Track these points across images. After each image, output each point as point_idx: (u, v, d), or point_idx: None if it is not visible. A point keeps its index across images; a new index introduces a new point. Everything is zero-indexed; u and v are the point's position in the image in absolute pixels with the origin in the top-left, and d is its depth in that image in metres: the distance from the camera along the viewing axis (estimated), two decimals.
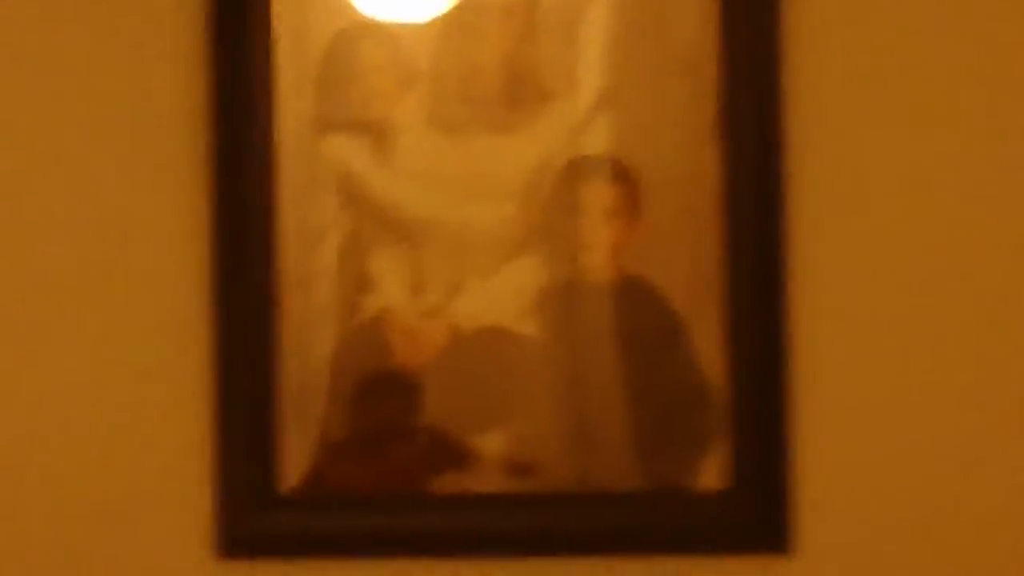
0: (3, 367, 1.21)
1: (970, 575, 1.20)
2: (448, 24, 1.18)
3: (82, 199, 1.20)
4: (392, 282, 1.18)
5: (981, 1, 1.19)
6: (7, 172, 1.22)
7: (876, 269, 1.21)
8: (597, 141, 1.18)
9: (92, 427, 1.18)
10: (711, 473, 1.18)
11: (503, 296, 1.19)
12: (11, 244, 1.21)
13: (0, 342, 1.20)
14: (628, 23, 1.17)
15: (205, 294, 1.18)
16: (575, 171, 1.19)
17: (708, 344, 1.18)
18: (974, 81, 1.19)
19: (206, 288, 1.19)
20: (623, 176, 1.18)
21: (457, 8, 1.17)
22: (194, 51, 1.17)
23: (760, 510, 1.17)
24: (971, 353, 1.19)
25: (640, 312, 1.19)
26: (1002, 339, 1.19)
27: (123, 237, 1.19)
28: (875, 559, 1.22)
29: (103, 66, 1.20)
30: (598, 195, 1.20)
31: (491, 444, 1.18)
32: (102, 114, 1.20)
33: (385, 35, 1.19)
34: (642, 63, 1.18)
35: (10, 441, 1.19)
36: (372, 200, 1.19)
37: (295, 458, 1.19)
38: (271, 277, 1.18)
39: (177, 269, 1.18)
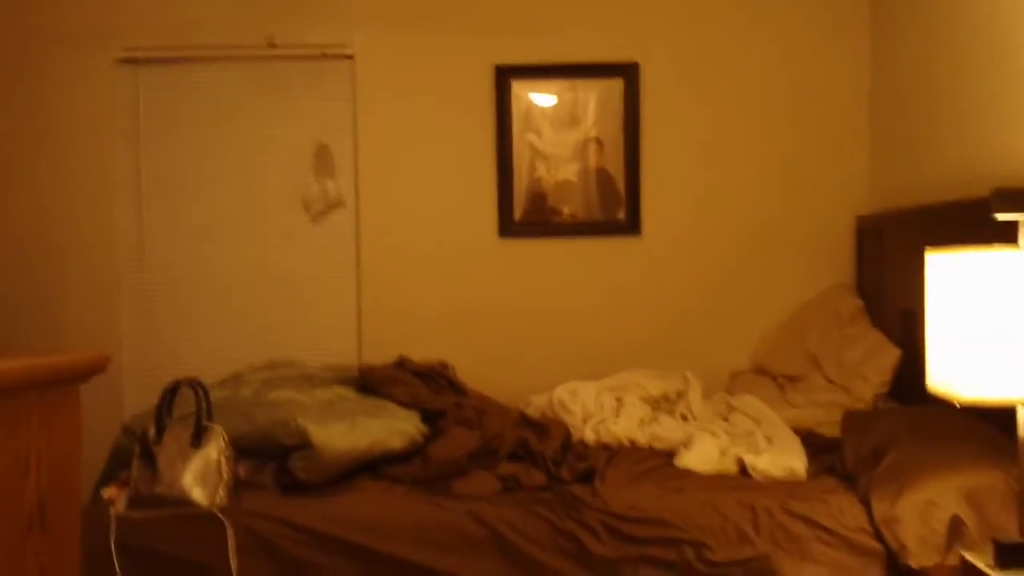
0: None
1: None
2: (554, 108, 4.49)
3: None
4: (542, 167, 4.49)
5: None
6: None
7: (665, 170, 4.51)
8: (592, 132, 4.47)
9: None
10: (622, 214, 4.48)
11: (569, 171, 4.48)
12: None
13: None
14: (603, 106, 4.47)
15: (495, 182, 4.49)
16: (588, 141, 4.46)
17: (620, 181, 4.48)
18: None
19: (496, 180, 4.48)
20: (599, 142, 4.47)
21: (556, 103, 4.47)
22: None
23: (632, 222, 4.48)
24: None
25: (603, 175, 4.49)
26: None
27: None
28: (672, 240, 4.49)
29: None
30: (594, 144, 4.48)
31: (566, 209, 4.51)
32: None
33: (538, 109, 4.50)
34: (606, 116, 4.46)
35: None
36: (538, 148, 4.47)
37: (517, 212, 4.49)
38: (512, 169, 4.45)
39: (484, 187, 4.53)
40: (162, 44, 4.46)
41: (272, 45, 4.39)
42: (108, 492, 2.97)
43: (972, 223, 2.66)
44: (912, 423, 2.97)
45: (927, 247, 2.28)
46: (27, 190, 4.49)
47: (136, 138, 4.48)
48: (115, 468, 3.15)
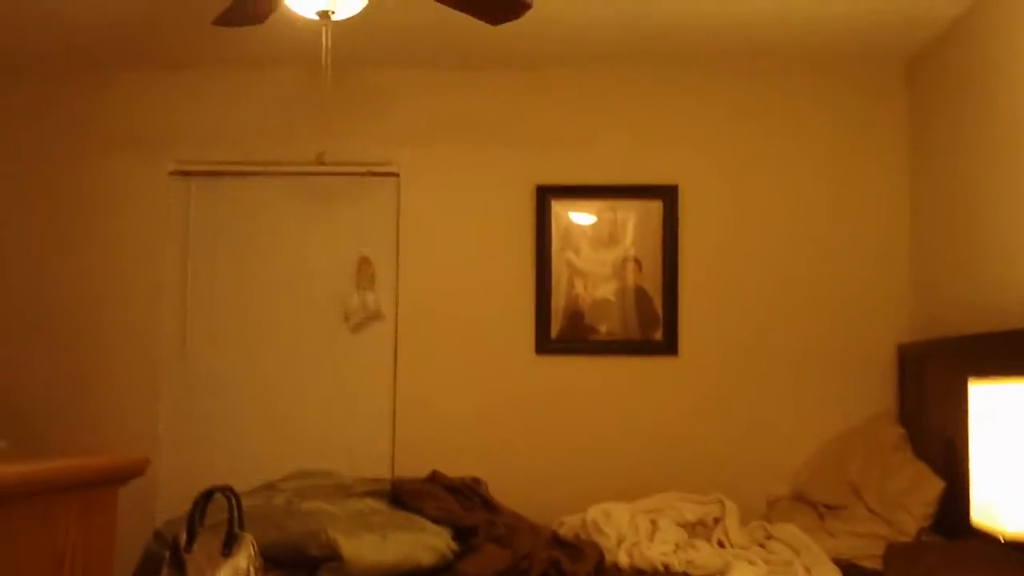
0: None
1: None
2: (593, 227, 4.55)
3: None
4: (580, 285, 4.52)
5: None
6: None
7: (703, 291, 4.52)
8: (630, 252, 4.52)
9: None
10: (659, 334, 4.49)
11: (607, 290, 4.52)
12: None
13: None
14: (642, 227, 4.53)
15: (533, 299, 4.51)
16: (627, 260, 4.50)
17: (657, 301, 4.49)
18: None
19: (534, 297, 4.50)
20: (637, 261, 4.51)
21: (595, 222, 4.54)
22: None
23: (669, 342, 4.49)
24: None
25: (641, 294, 4.52)
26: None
27: None
28: (710, 361, 4.48)
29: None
30: (633, 264, 4.53)
31: (603, 327, 4.52)
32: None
33: (577, 228, 4.57)
34: (645, 236, 4.51)
35: None
36: (576, 266, 4.52)
37: (555, 329, 4.52)
38: (551, 287, 4.50)
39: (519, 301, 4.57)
40: (214, 158, 4.62)
41: (321, 163, 4.49)
42: None
43: (1015, 353, 2.64)
44: (955, 558, 2.88)
45: (969, 377, 2.25)
46: (75, 290, 4.63)
47: (185, 245, 4.62)
48: (144, 574, 3.11)
